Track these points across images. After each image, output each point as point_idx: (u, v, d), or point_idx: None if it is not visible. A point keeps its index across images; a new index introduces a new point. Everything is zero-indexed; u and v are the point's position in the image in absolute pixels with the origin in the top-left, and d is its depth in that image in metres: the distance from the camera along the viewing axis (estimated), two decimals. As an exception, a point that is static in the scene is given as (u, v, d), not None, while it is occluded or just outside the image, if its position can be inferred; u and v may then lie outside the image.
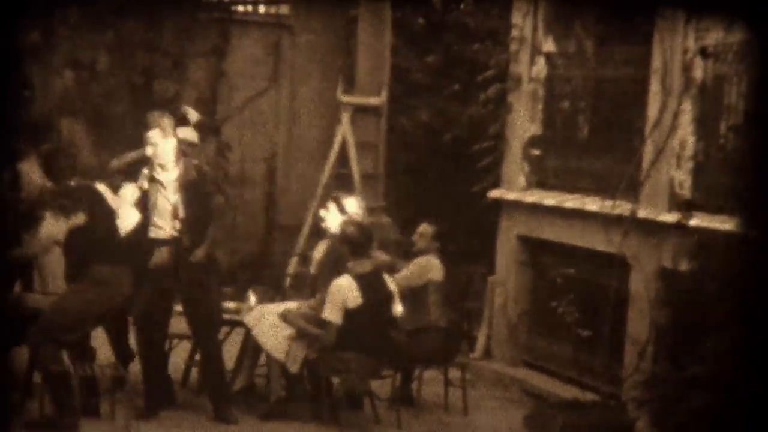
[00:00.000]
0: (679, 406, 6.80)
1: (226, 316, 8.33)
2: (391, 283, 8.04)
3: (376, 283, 7.86)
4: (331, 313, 7.71)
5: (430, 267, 8.55)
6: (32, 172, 8.28)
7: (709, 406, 6.50)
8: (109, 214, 7.65)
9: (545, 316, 9.64)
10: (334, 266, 7.97)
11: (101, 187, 7.74)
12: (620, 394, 8.23)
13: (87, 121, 12.36)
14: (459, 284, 9.25)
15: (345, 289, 7.73)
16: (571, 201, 9.17)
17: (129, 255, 7.62)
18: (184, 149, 8.03)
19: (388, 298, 7.94)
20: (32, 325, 7.84)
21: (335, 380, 7.89)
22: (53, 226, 7.78)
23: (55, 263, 8.10)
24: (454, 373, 8.64)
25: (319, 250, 8.44)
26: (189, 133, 8.10)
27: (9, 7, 5.04)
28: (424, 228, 8.68)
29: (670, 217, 8.08)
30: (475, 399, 8.85)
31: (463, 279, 10.33)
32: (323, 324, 7.73)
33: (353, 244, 7.90)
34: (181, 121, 8.14)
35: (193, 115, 8.15)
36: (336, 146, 12.13)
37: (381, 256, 8.38)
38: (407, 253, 9.08)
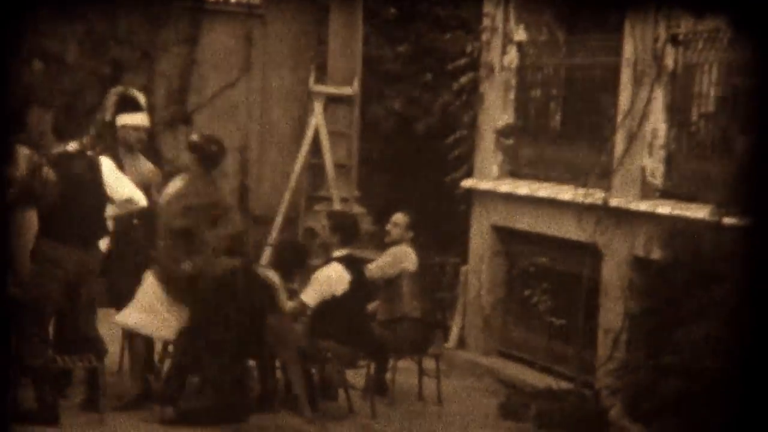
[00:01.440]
0: (652, 393, 6.83)
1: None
2: (367, 273, 8.08)
3: (358, 269, 7.91)
4: (309, 297, 7.74)
5: (403, 257, 8.54)
6: None
7: (682, 394, 6.53)
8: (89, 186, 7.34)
9: (519, 306, 9.66)
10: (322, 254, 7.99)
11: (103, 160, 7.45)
12: (594, 382, 8.25)
13: (56, 111, 12.26)
14: (432, 274, 9.24)
15: (334, 278, 7.77)
16: (543, 190, 9.18)
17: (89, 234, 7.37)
18: (140, 136, 7.91)
19: (366, 286, 7.99)
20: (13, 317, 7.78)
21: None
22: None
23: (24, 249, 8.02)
24: (429, 363, 8.63)
25: None
26: (142, 119, 7.96)
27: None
28: (399, 217, 8.67)
29: (643, 206, 8.09)
30: (450, 388, 8.85)
31: (437, 269, 10.33)
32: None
33: (345, 232, 7.91)
34: (130, 105, 7.96)
35: (141, 97, 8.01)
36: (308, 136, 12.09)
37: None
38: (380, 243, 9.08)
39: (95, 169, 7.36)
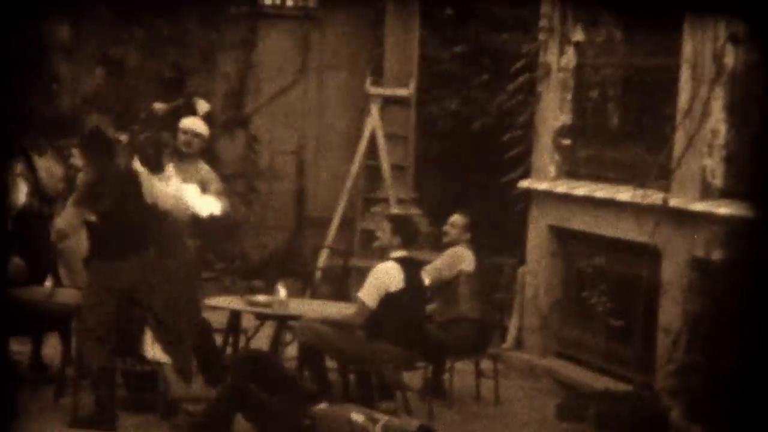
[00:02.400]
0: (713, 396, 6.77)
1: (256, 310, 8.35)
2: (424, 275, 8.07)
3: (415, 271, 7.90)
4: (367, 295, 7.72)
5: (461, 258, 8.53)
6: (52, 166, 8.32)
7: (742, 397, 6.46)
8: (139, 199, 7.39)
9: (576, 307, 9.61)
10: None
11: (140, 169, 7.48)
12: (653, 384, 8.19)
13: (115, 116, 12.42)
14: (489, 275, 9.22)
15: (389, 273, 7.74)
16: (601, 191, 9.13)
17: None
18: (188, 140, 7.99)
19: (423, 288, 7.97)
20: (60, 319, 7.90)
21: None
22: (71, 215, 7.62)
23: (72, 254, 8.15)
24: (486, 364, 8.62)
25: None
26: (195, 123, 8.04)
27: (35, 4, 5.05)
28: (456, 219, 8.66)
29: (702, 206, 8.02)
30: (507, 390, 8.83)
31: (494, 270, 10.30)
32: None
33: (405, 233, 7.92)
34: (188, 110, 8.06)
35: (202, 105, 8.10)
36: (365, 138, 12.13)
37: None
38: (437, 244, 9.07)
39: (136, 178, 7.43)
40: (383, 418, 6.88)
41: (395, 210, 11.47)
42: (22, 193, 8.14)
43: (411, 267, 7.89)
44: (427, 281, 8.08)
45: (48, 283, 7.98)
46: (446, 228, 8.70)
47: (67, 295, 7.88)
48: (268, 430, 6.82)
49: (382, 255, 7.98)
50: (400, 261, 7.84)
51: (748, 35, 7.04)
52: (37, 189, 8.19)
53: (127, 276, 7.31)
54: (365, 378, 7.90)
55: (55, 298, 7.85)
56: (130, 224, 7.31)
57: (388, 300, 7.71)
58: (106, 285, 7.27)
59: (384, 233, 7.98)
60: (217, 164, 12.59)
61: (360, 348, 7.76)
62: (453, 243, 8.61)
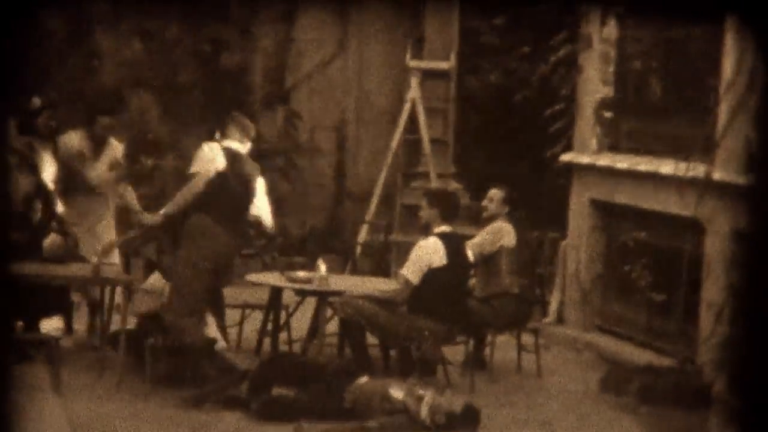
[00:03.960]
0: (756, 369, 6.70)
1: (296, 286, 8.36)
2: (468, 249, 8.05)
3: (458, 246, 7.88)
4: (411, 272, 7.72)
5: (503, 233, 8.49)
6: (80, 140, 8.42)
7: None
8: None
9: (618, 281, 9.55)
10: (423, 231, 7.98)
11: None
12: (696, 357, 8.13)
13: (156, 91, 12.45)
14: (531, 249, 9.18)
15: (431, 248, 7.73)
16: (644, 164, 9.05)
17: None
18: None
19: (466, 263, 7.95)
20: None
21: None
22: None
23: (103, 231, 8.29)
24: (527, 339, 8.59)
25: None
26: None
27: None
28: (494, 193, 8.62)
29: (747, 179, 7.92)
30: (549, 363, 8.80)
31: (535, 244, 10.25)
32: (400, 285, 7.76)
33: (445, 208, 7.89)
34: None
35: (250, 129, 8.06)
36: (405, 112, 12.09)
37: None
38: (478, 218, 9.04)
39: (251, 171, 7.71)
40: (426, 395, 6.88)
41: (435, 184, 11.43)
42: (49, 172, 8.24)
43: (453, 242, 7.87)
44: (470, 256, 8.06)
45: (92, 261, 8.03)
46: (485, 203, 8.66)
47: (110, 271, 7.93)
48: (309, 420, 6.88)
49: (425, 230, 7.96)
50: (443, 236, 7.82)
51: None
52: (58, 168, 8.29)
53: (222, 249, 7.45)
54: (406, 353, 7.89)
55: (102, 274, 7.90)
56: (231, 198, 7.51)
57: (431, 275, 7.71)
58: (204, 258, 7.39)
59: (423, 209, 7.97)
60: (258, 141, 12.66)
61: (401, 323, 7.76)
62: (493, 217, 8.57)
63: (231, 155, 7.55)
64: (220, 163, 7.48)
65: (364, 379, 7.10)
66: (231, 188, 7.53)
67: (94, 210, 8.57)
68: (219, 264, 7.51)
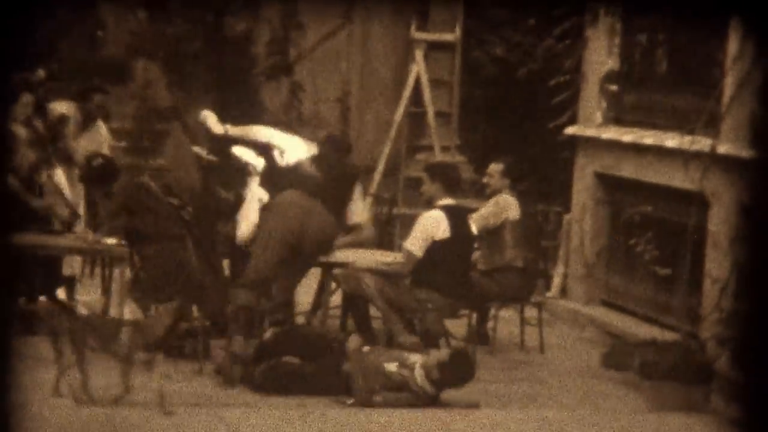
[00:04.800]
0: (760, 344, 6.69)
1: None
2: (471, 223, 8.03)
3: (462, 219, 7.86)
4: (414, 244, 7.71)
5: (506, 206, 8.47)
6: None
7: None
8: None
9: (622, 255, 9.53)
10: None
11: None
12: (699, 333, 8.12)
13: (161, 61, 12.42)
14: (534, 222, 9.15)
15: (435, 221, 7.73)
16: (649, 137, 9.00)
17: None
18: None
19: (470, 236, 7.94)
20: None
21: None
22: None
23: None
24: (530, 312, 8.59)
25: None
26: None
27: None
28: (494, 166, 8.61)
29: (752, 153, 7.88)
30: (552, 338, 8.80)
31: (539, 217, 10.24)
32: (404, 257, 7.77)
33: (447, 181, 7.88)
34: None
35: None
36: (409, 84, 12.04)
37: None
38: (482, 191, 9.01)
39: None
40: (416, 360, 6.88)
41: (439, 157, 11.40)
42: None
43: (457, 215, 7.85)
44: (473, 229, 8.05)
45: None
46: (485, 178, 8.66)
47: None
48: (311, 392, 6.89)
49: (428, 204, 7.94)
50: (446, 209, 7.80)
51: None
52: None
53: (308, 223, 7.58)
54: (410, 326, 7.89)
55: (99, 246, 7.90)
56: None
57: (435, 248, 7.69)
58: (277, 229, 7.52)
59: (425, 183, 7.95)
60: (262, 113, 12.63)
61: (404, 296, 7.76)
62: (495, 191, 8.55)
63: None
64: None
65: (363, 348, 7.10)
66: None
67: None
68: (302, 239, 7.57)
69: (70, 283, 8.41)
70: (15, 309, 7.40)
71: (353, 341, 7.15)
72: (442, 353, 7.00)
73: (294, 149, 7.92)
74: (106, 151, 8.70)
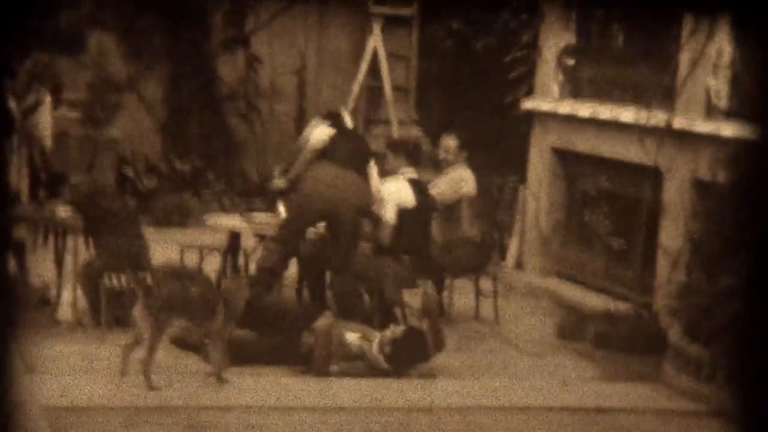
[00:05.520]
0: (711, 315, 6.77)
1: (258, 228, 8.34)
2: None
3: (423, 190, 7.92)
4: (388, 213, 7.74)
5: (462, 182, 8.50)
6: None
7: (740, 316, 6.46)
8: None
9: (578, 228, 9.59)
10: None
11: None
12: (652, 304, 8.20)
13: (115, 32, 12.30)
14: (490, 195, 9.18)
15: (400, 188, 7.82)
16: (605, 111, 9.05)
17: None
18: None
19: (431, 206, 7.99)
20: None
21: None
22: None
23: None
24: (486, 284, 8.62)
25: None
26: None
27: None
28: (447, 141, 8.63)
29: (707, 127, 7.95)
30: (507, 309, 8.84)
31: (495, 189, 10.27)
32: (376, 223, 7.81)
33: (408, 154, 7.93)
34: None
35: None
36: (366, 58, 12.02)
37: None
38: (438, 164, 9.03)
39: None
40: (377, 335, 6.91)
41: (396, 131, 11.40)
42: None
43: (419, 186, 7.91)
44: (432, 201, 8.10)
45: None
46: (438, 152, 8.68)
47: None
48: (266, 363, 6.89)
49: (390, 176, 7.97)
50: (410, 180, 7.86)
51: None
52: None
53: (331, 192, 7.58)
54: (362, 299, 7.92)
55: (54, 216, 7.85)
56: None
57: (400, 216, 7.73)
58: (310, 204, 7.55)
59: (388, 159, 8.00)
60: (219, 85, 12.55)
61: (364, 263, 7.77)
62: (450, 164, 8.57)
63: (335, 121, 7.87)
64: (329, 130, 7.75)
65: (325, 321, 7.10)
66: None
67: None
68: (339, 206, 7.58)
69: (19, 249, 8.32)
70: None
71: (323, 320, 7.12)
72: (397, 329, 7.02)
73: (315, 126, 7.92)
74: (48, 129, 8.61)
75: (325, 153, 7.74)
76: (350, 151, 7.79)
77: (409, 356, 6.93)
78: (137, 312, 6.27)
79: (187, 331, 6.62)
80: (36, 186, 8.52)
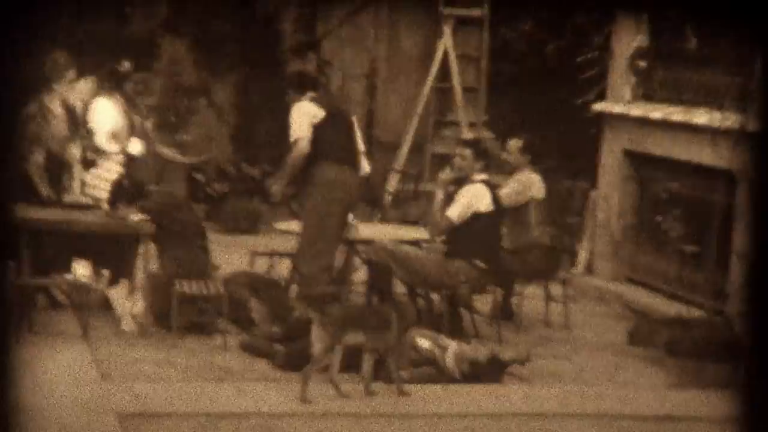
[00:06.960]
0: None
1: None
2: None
3: (496, 195, 7.89)
4: (454, 212, 7.71)
5: (530, 183, 8.45)
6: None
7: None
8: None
9: (649, 232, 9.48)
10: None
11: None
12: (726, 310, 8.06)
13: (189, 39, 12.42)
14: (560, 199, 9.11)
15: (480, 194, 7.75)
16: (678, 114, 8.93)
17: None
18: None
19: (504, 211, 7.98)
20: None
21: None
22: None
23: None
24: (556, 289, 8.55)
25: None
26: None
27: None
28: (513, 143, 8.58)
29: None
30: (577, 314, 8.76)
31: (565, 193, 10.18)
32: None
33: (486, 158, 7.93)
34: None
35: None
36: (437, 60, 11.99)
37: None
38: (502, 168, 8.98)
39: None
40: (451, 344, 6.88)
41: (466, 133, 11.35)
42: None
43: (493, 191, 7.86)
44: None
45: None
46: (504, 155, 8.62)
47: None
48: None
49: (460, 181, 7.91)
50: (486, 184, 7.81)
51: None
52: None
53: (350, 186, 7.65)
54: (432, 305, 7.89)
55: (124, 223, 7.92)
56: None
57: (475, 220, 7.68)
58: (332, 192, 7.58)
59: (465, 158, 7.89)
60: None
61: (436, 267, 7.74)
62: (515, 168, 8.52)
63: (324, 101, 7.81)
64: (317, 113, 7.68)
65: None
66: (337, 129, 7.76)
67: None
68: (346, 211, 7.67)
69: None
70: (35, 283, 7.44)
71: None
72: (481, 352, 6.95)
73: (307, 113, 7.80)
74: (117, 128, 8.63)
75: (317, 149, 7.64)
76: (341, 132, 7.79)
77: (486, 378, 6.89)
78: (314, 332, 6.27)
79: (363, 344, 6.54)
80: (118, 194, 8.56)
